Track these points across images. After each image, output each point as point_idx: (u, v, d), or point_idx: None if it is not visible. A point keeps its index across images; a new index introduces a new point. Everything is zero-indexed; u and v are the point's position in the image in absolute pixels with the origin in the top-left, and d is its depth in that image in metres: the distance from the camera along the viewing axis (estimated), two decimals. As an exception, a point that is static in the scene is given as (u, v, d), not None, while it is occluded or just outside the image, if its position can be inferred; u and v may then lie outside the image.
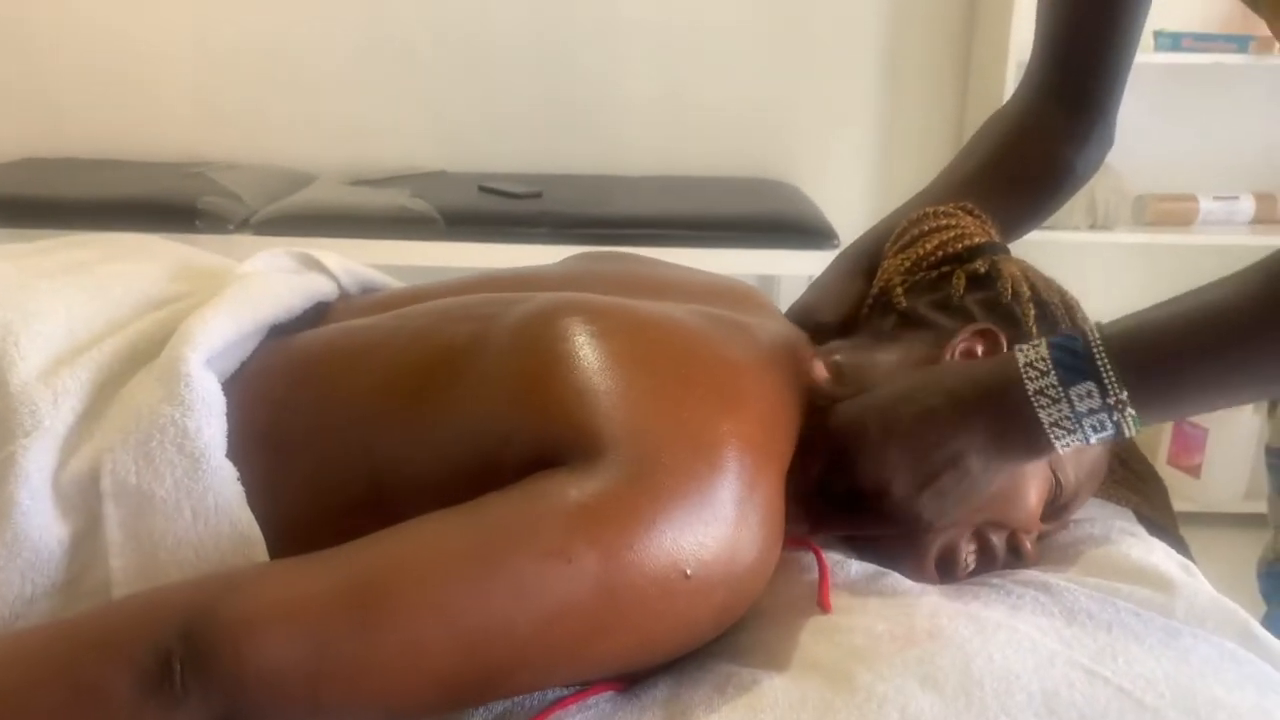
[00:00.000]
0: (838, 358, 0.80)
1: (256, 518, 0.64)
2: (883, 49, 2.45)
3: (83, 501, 0.63)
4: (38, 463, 0.63)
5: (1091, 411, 0.64)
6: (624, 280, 0.84)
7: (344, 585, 0.56)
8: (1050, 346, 0.66)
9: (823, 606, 0.68)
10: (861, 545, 0.77)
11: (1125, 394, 0.63)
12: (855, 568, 0.72)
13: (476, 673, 0.56)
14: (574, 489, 0.59)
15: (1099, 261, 2.51)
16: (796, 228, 2.09)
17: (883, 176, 2.53)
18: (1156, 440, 2.53)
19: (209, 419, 0.64)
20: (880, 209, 2.57)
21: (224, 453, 0.64)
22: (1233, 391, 0.67)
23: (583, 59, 2.44)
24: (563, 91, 2.46)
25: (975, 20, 2.41)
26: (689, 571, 0.59)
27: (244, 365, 0.72)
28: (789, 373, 0.74)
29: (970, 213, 0.87)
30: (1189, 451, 2.45)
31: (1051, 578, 0.72)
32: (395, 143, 2.48)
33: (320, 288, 0.83)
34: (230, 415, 0.66)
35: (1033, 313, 0.78)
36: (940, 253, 0.84)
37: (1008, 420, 0.67)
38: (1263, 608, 1.17)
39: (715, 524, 0.60)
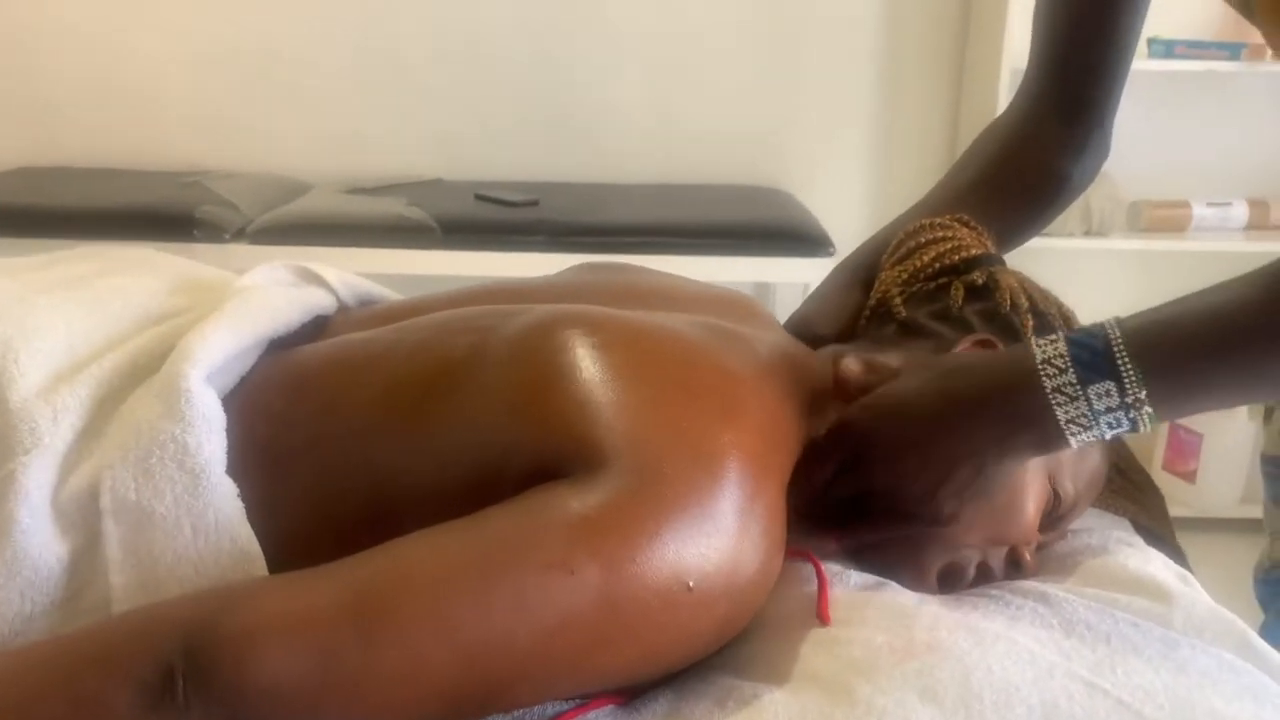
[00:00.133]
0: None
1: (256, 532, 0.64)
2: (877, 57, 2.46)
3: (82, 519, 0.63)
4: (37, 480, 0.63)
5: (1109, 410, 0.64)
6: (623, 291, 0.84)
7: (345, 598, 0.56)
8: (1069, 343, 0.66)
9: (822, 619, 0.68)
10: (861, 554, 0.77)
11: (1144, 393, 0.64)
12: (854, 578, 0.72)
13: (478, 685, 0.56)
14: (575, 501, 0.59)
15: (1094, 268, 2.51)
16: (792, 235, 2.09)
17: (878, 184, 2.53)
18: (1152, 446, 2.53)
19: (209, 435, 0.64)
20: (875, 216, 2.58)
21: (224, 468, 0.64)
22: (1249, 390, 0.67)
23: (578, 67, 2.44)
24: (558, 100, 2.46)
25: (969, 28, 2.42)
26: (691, 583, 0.59)
27: (243, 380, 0.72)
28: (788, 383, 0.74)
29: (966, 224, 0.88)
30: (1184, 457, 2.45)
31: (1050, 588, 0.72)
32: (391, 151, 2.48)
33: (319, 301, 0.83)
34: (230, 430, 0.66)
35: (1031, 323, 0.79)
36: (937, 264, 0.84)
37: (1023, 416, 0.67)
38: (1259, 614, 1.17)
39: (717, 535, 0.60)
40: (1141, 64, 2.19)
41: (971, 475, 0.69)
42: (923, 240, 0.86)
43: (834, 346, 0.83)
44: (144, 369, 0.69)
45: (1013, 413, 0.67)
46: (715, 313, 0.81)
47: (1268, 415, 1.08)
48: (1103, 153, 0.98)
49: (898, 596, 0.71)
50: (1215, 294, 0.66)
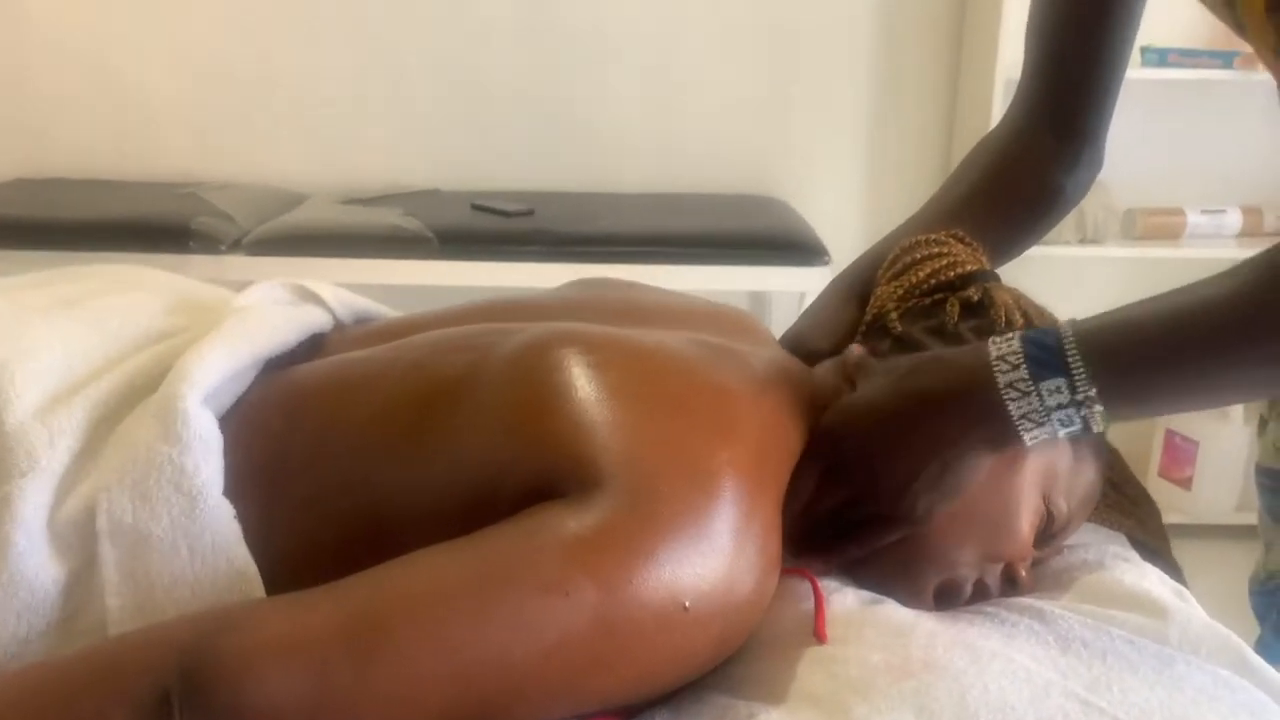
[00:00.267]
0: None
1: (253, 552, 0.64)
2: (873, 65, 2.46)
3: (79, 541, 0.63)
4: (33, 503, 0.62)
5: (1060, 406, 0.65)
6: (619, 308, 0.85)
7: (341, 620, 0.56)
8: (1022, 340, 0.67)
9: (819, 637, 0.68)
10: (857, 570, 0.77)
11: (1094, 390, 0.65)
12: (851, 596, 0.73)
13: (474, 706, 0.56)
14: (572, 521, 0.59)
15: (1089, 275, 2.52)
16: (788, 244, 2.10)
17: (874, 192, 2.54)
18: (1147, 453, 2.54)
19: (206, 457, 0.64)
20: (872, 225, 2.59)
21: (221, 490, 0.64)
22: (1208, 393, 0.68)
23: (574, 77, 2.44)
24: (554, 110, 2.46)
25: (963, 37, 2.43)
26: (687, 603, 0.59)
27: (240, 400, 0.72)
28: (785, 399, 0.75)
29: (961, 240, 0.88)
30: (1180, 464, 2.46)
31: (1046, 605, 0.72)
32: (387, 161, 2.48)
33: (316, 319, 0.83)
34: (227, 451, 0.66)
35: (1025, 340, 0.79)
36: (933, 280, 0.84)
37: (978, 412, 0.68)
38: (1255, 625, 1.17)
39: (713, 555, 0.60)
40: (1135, 72, 2.19)
41: (939, 471, 0.70)
42: (918, 256, 0.86)
43: (830, 361, 0.83)
44: (141, 390, 0.69)
45: (968, 407, 0.68)
46: (711, 329, 0.82)
47: (1261, 426, 1.08)
48: (1096, 165, 0.98)
49: (894, 614, 0.71)
50: (1177, 296, 0.67)
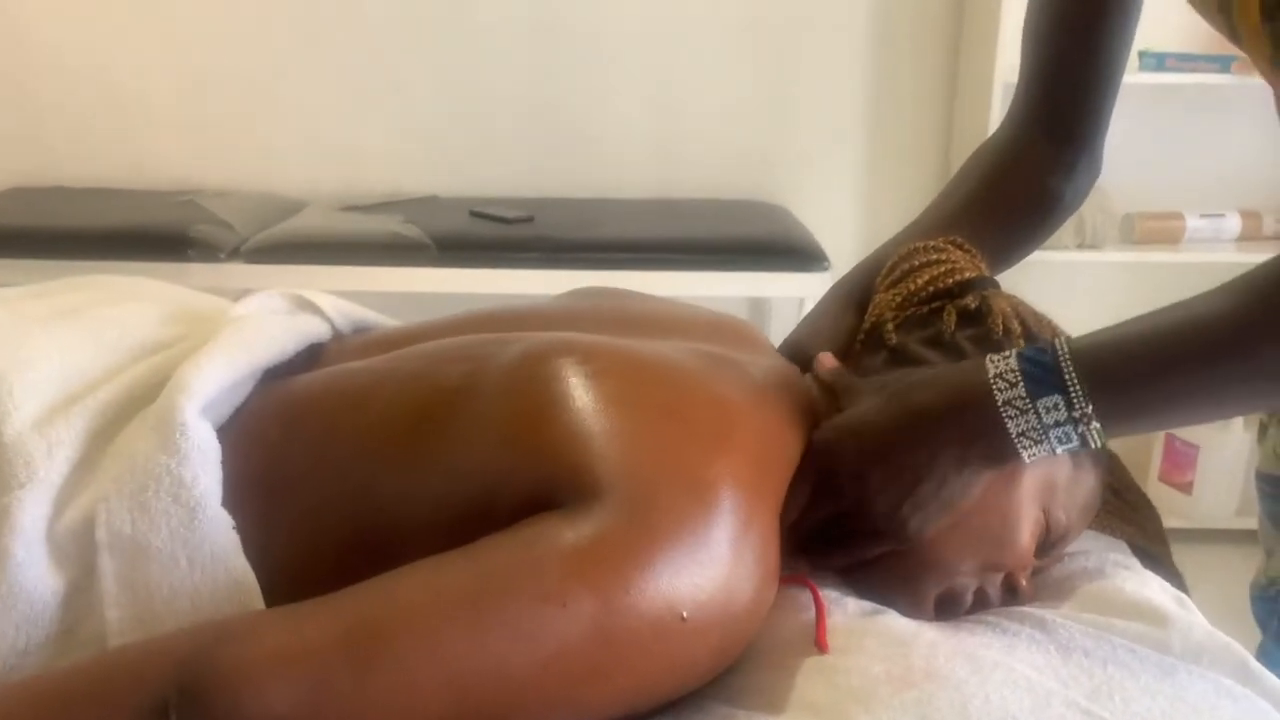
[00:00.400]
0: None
1: (251, 563, 0.64)
2: (871, 71, 2.47)
3: (77, 552, 0.63)
4: (32, 514, 0.62)
5: (1058, 424, 0.66)
6: (618, 317, 0.85)
7: (340, 632, 0.55)
8: (1020, 358, 0.67)
9: (819, 646, 0.68)
10: (858, 580, 0.77)
11: (1091, 408, 0.65)
12: (852, 605, 0.72)
13: (472, 717, 0.56)
14: (569, 532, 0.59)
15: (1087, 280, 2.52)
16: (787, 250, 2.10)
17: (872, 198, 2.54)
18: (1147, 457, 2.54)
19: (204, 467, 0.64)
20: (871, 230, 2.60)
21: (220, 501, 0.64)
22: (1205, 407, 0.68)
23: (572, 84, 2.45)
24: (553, 116, 2.46)
25: (961, 41, 2.43)
26: (685, 614, 0.59)
27: (238, 410, 0.72)
28: (783, 408, 0.75)
29: (960, 247, 0.88)
30: (1180, 469, 2.46)
31: (1047, 614, 0.72)
32: (386, 168, 2.48)
33: (314, 329, 0.83)
34: (225, 461, 0.66)
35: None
36: (931, 288, 0.84)
37: (976, 430, 0.68)
38: (1257, 631, 1.17)
39: (711, 565, 0.60)
40: (1132, 77, 2.20)
41: (934, 489, 0.69)
42: (916, 263, 0.86)
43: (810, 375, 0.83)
44: (139, 400, 0.69)
45: (966, 425, 0.68)
46: (709, 339, 0.81)
47: (1261, 432, 1.08)
48: (1094, 172, 0.98)
49: (895, 623, 0.70)
50: (1174, 311, 0.67)
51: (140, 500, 0.63)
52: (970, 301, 0.82)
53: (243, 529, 0.64)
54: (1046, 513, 0.76)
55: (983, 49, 2.28)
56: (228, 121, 2.46)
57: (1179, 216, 2.37)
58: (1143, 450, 2.54)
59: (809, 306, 2.06)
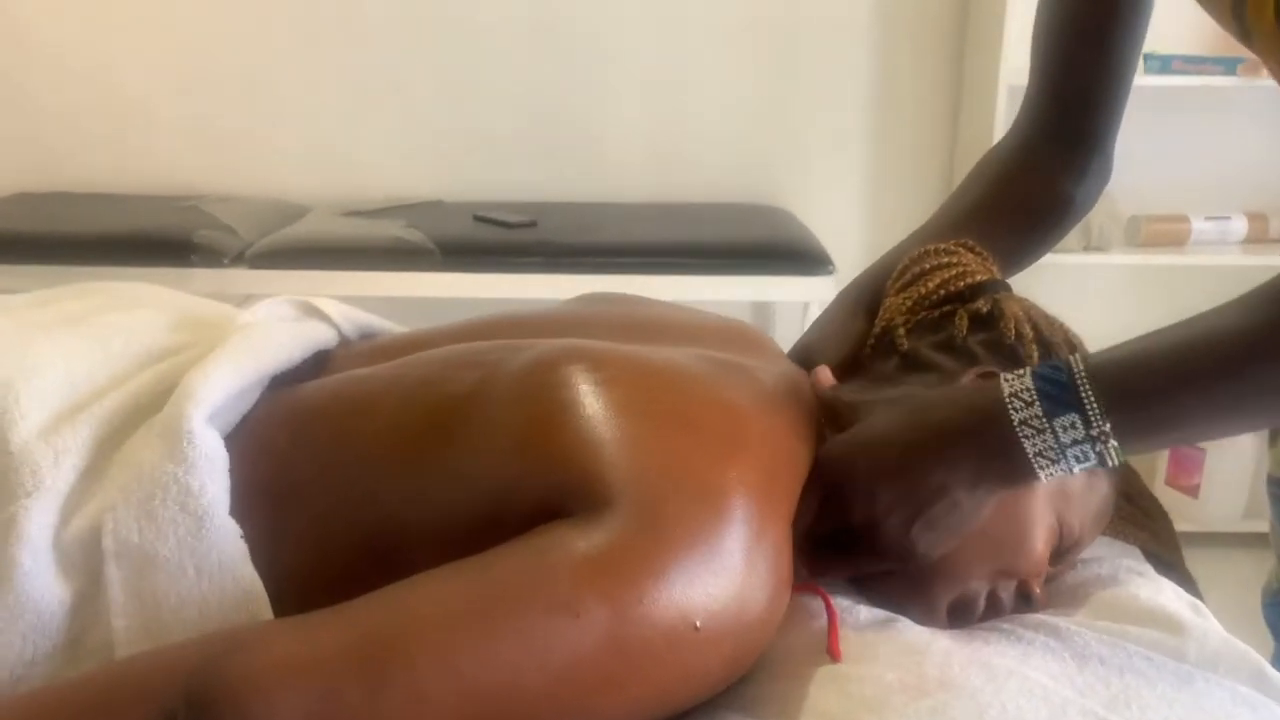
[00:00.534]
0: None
1: (259, 571, 0.64)
2: (874, 73, 2.46)
3: (85, 561, 0.63)
4: (39, 523, 0.62)
5: (1075, 442, 0.65)
6: (627, 323, 0.84)
7: (350, 643, 0.55)
8: (1035, 377, 0.66)
9: (832, 655, 0.67)
10: (870, 589, 0.76)
11: (1108, 426, 0.64)
12: (864, 613, 0.72)
13: None
14: (581, 541, 0.58)
15: (1094, 283, 2.52)
16: (791, 253, 2.09)
17: (876, 200, 2.53)
18: (1154, 462, 2.53)
19: (212, 476, 0.64)
20: (874, 233, 2.59)
21: (227, 510, 0.64)
22: (1221, 423, 0.67)
23: (575, 88, 2.44)
24: (556, 121, 2.46)
25: (966, 43, 2.43)
26: (698, 623, 0.58)
27: (245, 418, 0.71)
28: (793, 415, 0.74)
29: (971, 250, 0.87)
30: (1187, 472, 2.45)
31: (1061, 621, 0.71)
32: (389, 173, 2.48)
33: (320, 336, 0.82)
34: (233, 469, 0.66)
35: (1036, 354, 0.78)
36: (942, 291, 0.83)
37: (992, 450, 0.67)
38: (1268, 635, 1.16)
39: (724, 574, 0.59)
40: (1138, 79, 2.18)
41: (946, 509, 0.69)
42: (927, 266, 0.86)
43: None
44: (146, 408, 0.69)
45: (983, 445, 0.67)
46: (718, 344, 0.81)
47: (1273, 438, 1.07)
48: (1104, 175, 0.97)
49: (908, 631, 0.70)
50: (1190, 325, 0.66)
51: (148, 509, 0.62)
52: (982, 305, 0.81)
53: (250, 537, 0.64)
54: (1060, 519, 0.75)
55: (987, 50, 2.28)
56: (231, 127, 2.46)
57: (1184, 219, 2.36)
58: (1148, 454, 2.53)
59: (813, 310, 2.06)
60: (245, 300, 1.95)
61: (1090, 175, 0.96)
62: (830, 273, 2.04)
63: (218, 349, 0.72)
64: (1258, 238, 2.38)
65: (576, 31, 2.41)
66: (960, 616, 0.75)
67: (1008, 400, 0.66)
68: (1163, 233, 2.36)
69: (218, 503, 0.63)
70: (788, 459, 0.70)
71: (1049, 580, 0.79)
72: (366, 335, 0.89)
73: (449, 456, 0.66)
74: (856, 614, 0.72)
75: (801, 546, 0.71)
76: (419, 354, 0.77)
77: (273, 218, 2.25)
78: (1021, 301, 0.84)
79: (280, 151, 2.48)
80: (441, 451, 0.66)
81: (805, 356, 0.89)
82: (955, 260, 0.86)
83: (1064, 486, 0.74)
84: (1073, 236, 2.30)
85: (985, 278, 0.84)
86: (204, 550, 0.62)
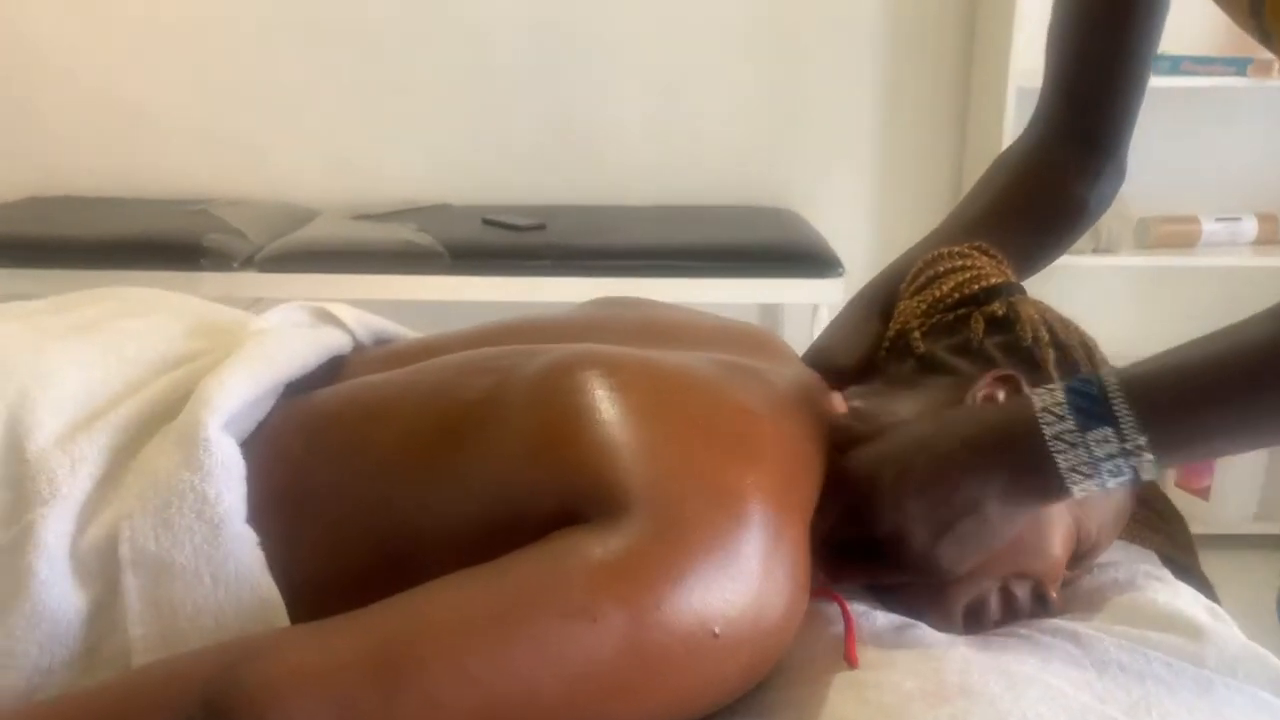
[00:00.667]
0: (856, 403, 0.79)
1: (276, 579, 0.63)
2: (882, 74, 2.46)
3: (101, 570, 0.63)
4: (56, 531, 0.62)
5: (1110, 456, 0.63)
6: (640, 327, 0.84)
7: (366, 650, 0.55)
8: (1067, 391, 0.65)
9: (849, 661, 0.67)
10: (886, 595, 0.76)
11: (1144, 439, 0.63)
12: (881, 619, 0.72)
13: None
14: (598, 546, 0.58)
15: (1103, 285, 2.51)
16: (800, 255, 2.09)
17: (885, 201, 2.53)
18: (1164, 462, 2.52)
19: (229, 484, 0.64)
20: (883, 234, 2.58)
21: (244, 518, 0.64)
22: (1257, 435, 0.66)
23: (583, 91, 2.44)
24: (565, 123, 2.46)
25: (974, 45, 2.42)
26: (717, 629, 0.58)
27: (261, 425, 0.71)
28: (808, 419, 0.74)
29: (985, 252, 0.87)
30: (1198, 474, 2.44)
31: (1080, 627, 0.71)
32: (398, 177, 2.48)
33: (335, 341, 0.82)
34: (249, 477, 0.66)
35: (1052, 356, 0.78)
36: (957, 294, 0.83)
37: (1025, 465, 0.66)
38: (1282, 638, 1.16)
39: (742, 579, 0.59)
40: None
41: (975, 525, 0.68)
42: (941, 269, 0.85)
43: (850, 390, 0.82)
44: (162, 416, 0.69)
45: (1015, 461, 0.66)
46: (732, 349, 0.81)
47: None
48: (1119, 178, 0.97)
49: (926, 637, 0.70)
50: (1222, 337, 0.65)
51: (164, 517, 0.62)
52: (997, 308, 0.81)
53: (266, 545, 0.64)
54: (1078, 523, 0.75)
55: (996, 51, 2.27)
56: (240, 130, 2.47)
57: (1194, 220, 2.36)
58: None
59: (822, 312, 2.06)
60: (255, 304, 1.96)
61: (1104, 178, 0.96)
62: (840, 275, 2.03)
63: (233, 356, 0.72)
64: (1268, 239, 2.36)
65: (584, 35, 2.41)
66: (975, 621, 0.74)
67: (1039, 414, 0.65)
68: (1173, 234, 2.35)
69: (234, 511, 0.63)
70: (804, 463, 0.70)
71: (1065, 585, 0.79)
72: (381, 340, 0.89)
73: (463, 462, 0.66)
74: (873, 619, 0.71)
75: (818, 551, 0.71)
76: (433, 359, 0.77)
77: (282, 221, 2.25)
78: (1036, 304, 0.83)
79: (289, 155, 2.48)
80: (456, 457, 0.66)
81: (820, 360, 0.89)
82: (969, 263, 0.85)
83: None
84: (1082, 239, 2.29)
85: (1000, 280, 0.84)
86: (220, 558, 0.62)
